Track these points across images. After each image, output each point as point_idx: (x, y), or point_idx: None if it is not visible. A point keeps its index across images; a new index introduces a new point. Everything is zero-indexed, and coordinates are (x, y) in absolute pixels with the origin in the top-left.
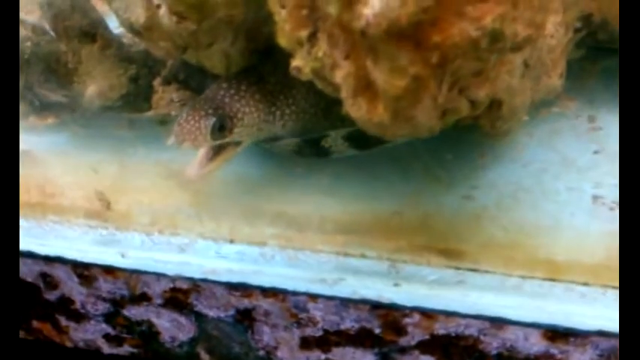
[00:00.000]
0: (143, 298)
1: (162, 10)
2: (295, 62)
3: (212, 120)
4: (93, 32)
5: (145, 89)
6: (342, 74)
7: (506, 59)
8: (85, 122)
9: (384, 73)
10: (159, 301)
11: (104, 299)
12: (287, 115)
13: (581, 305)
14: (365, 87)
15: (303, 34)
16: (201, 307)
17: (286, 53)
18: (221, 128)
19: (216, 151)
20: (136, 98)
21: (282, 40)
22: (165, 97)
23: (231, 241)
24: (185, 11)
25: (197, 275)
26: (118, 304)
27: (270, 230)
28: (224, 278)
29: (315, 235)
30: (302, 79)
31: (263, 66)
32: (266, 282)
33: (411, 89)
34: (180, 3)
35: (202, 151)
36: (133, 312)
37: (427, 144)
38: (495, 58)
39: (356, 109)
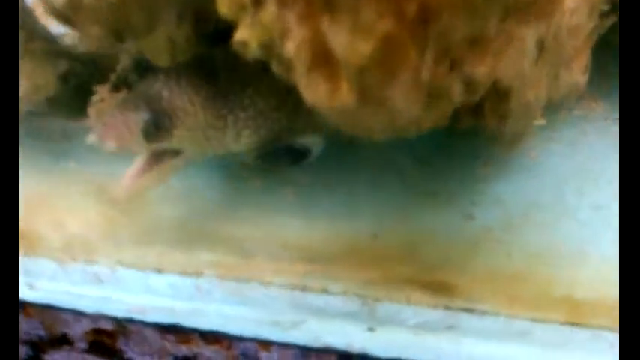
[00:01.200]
0: (64, 341)
1: None
2: (239, 34)
3: (144, 115)
4: None
5: (79, 91)
6: (294, 43)
7: (513, 30)
8: None
9: (344, 35)
10: (82, 344)
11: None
12: (241, 121)
13: (610, 357)
14: (323, 58)
15: None
16: (132, 353)
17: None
18: (156, 127)
19: (152, 163)
20: (68, 102)
21: (222, 7)
22: (111, 103)
23: (160, 271)
24: None
25: (121, 313)
26: (37, 347)
27: (208, 256)
28: (153, 318)
29: (265, 263)
30: (256, 69)
31: (212, 57)
32: (204, 323)
33: (381, 56)
34: None
35: (135, 164)
36: (56, 357)
37: (416, 150)
38: (497, 22)
39: (312, 90)
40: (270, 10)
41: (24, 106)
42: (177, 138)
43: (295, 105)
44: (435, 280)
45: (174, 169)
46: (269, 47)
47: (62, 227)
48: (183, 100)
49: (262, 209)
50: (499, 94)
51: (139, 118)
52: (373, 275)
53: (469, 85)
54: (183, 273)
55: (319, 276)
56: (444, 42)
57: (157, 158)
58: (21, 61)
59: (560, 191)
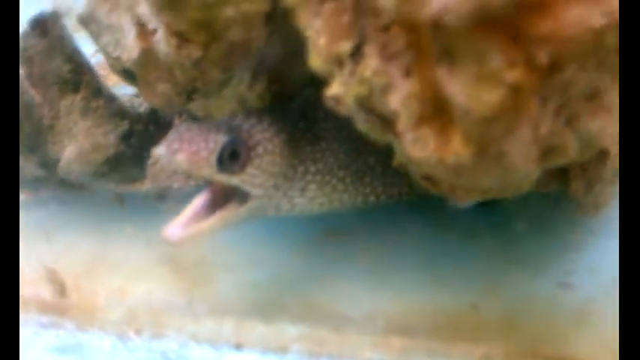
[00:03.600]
0: None
1: (160, 35)
2: (333, 89)
3: (224, 137)
4: (76, 80)
5: (138, 151)
6: (400, 97)
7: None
8: (65, 195)
9: (467, 85)
10: None
11: None
12: (310, 175)
13: None
14: (434, 112)
15: (345, 47)
16: None
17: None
18: (233, 154)
19: (214, 203)
20: (126, 163)
21: (316, 61)
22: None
23: (238, 346)
24: (188, 30)
25: None
26: None
27: (294, 329)
28: None
29: (359, 336)
30: (335, 124)
31: (288, 108)
32: None
33: (507, 107)
34: (182, 19)
35: (195, 201)
36: None
37: (499, 215)
38: (612, 78)
39: (420, 145)
40: (371, 64)
41: (81, 167)
42: (249, 176)
43: (359, 170)
44: (553, 353)
45: (236, 217)
46: (366, 102)
47: (123, 297)
48: (263, 136)
49: (341, 274)
50: (595, 158)
51: (220, 138)
52: (482, 349)
53: (583, 142)
54: (267, 348)
55: (421, 350)
56: (564, 95)
57: (220, 198)
58: (81, 120)
59: None
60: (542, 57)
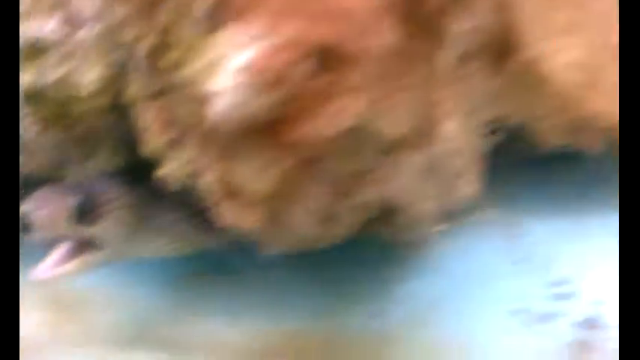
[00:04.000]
0: None
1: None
2: (162, 170)
3: (79, 198)
4: None
5: None
6: (209, 179)
7: (396, 160)
8: None
9: (249, 173)
10: None
11: None
12: (156, 226)
13: None
14: (237, 189)
15: (169, 137)
16: None
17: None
18: (86, 212)
19: (74, 252)
20: None
21: (149, 146)
22: None
23: None
24: (49, 118)
25: None
26: None
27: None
28: None
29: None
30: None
31: (137, 171)
32: None
33: (278, 192)
34: (44, 110)
35: (57, 251)
36: None
37: (333, 253)
38: (373, 157)
39: (227, 215)
40: (189, 151)
41: None
42: (102, 228)
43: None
44: None
45: (95, 261)
46: (187, 181)
47: None
48: (113, 194)
49: (199, 310)
50: (386, 210)
51: (75, 197)
52: None
53: (360, 208)
54: None
55: None
56: (332, 176)
57: (81, 245)
58: None
59: (454, 290)
60: (303, 152)
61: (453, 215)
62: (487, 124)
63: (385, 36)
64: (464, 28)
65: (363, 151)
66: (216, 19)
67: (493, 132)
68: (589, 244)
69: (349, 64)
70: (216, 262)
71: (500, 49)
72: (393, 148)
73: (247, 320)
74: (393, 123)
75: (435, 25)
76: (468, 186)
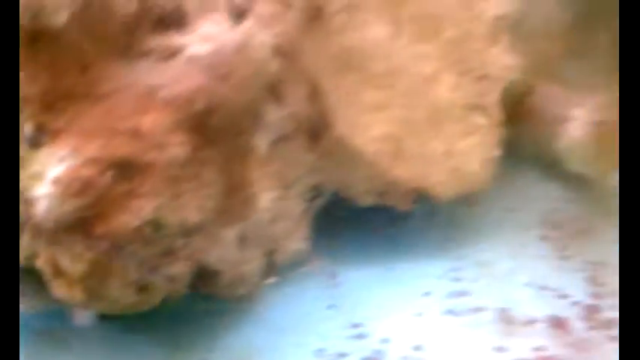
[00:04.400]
0: None
1: None
2: None
3: None
4: None
5: None
6: (43, 261)
7: (215, 231)
8: None
9: (67, 260)
10: None
11: None
12: None
13: None
14: (59, 271)
15: None
16: None
17: None
18: None
19: None
20: None
21: None
22: None
23: None
24: None
25: None
26: None
27: None
28: None
29: None
30: None
31: None
32: None
33: (92, 272)
34: None
35: None
36: None
37: (165, 314)
38: (178, 240)
39: (57, 290)
40: (27, 240)
41: None
42: None
43: None
44: None
45: None
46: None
47: None
48: None
49: None
50: (206, 275)
51: None
52: None
53: (175, 278)
54: None
55: None
56: (139, 258)
57: None
58: None
59: (275, 336)
60: (103, 246)
61: (281, 270)
62: (307, 192)
63: (173, 149)
64: (278, 115)
65: (163, 237)
66: (38, 139)
67: (314, 198)
68: (393, 288)
69: (143, 174)
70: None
71: (315, 129)
72: (196, 230)
73: None
74: (189, 214)
75: (228, 133)
76: (294, 244)
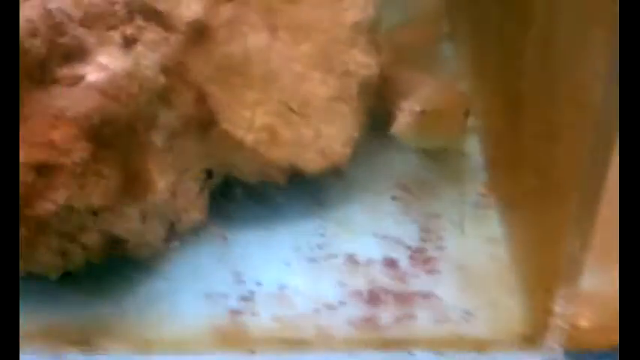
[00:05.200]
0: None
1: None
2: None
3: None
4: None
5: None
6: None
7: (118, 206)
8: None
9: None
10: None
11: None
12: None
13: None
14: None
15: None
16: None
17: None
18: None
19: None
20: None
21: None
22: None
23: None
24: None
25: None
26: None
27: None
28: None
29: None
30: None
31: None
32: None
33: (26, 242)
34: None
35: None
36: None
37: (87, 273)
38: (84, 219)
39: None
40: None
41: None
42: None
43: None
44: None
45: None
46: None
47: None
48: None
49: None
50: (118, 243)
51: None
52: None
53: (90, 245)
54: None
55: None
56: (60, 232)
57: None
58: None
59: (178, 287)
60: (31, 225)
61: (183, 235)
62: (201, 175)
63: (78, 154)
64: (170, 117)
65: (76, 216)
66: None
67: (207, 179)
68: (270, 245)
69: (56, 173)
70: None
71: (203, 125)
72: (102, 210)
73: None
74: (94, 199)
75: (123, 137)
76: (193, 215)
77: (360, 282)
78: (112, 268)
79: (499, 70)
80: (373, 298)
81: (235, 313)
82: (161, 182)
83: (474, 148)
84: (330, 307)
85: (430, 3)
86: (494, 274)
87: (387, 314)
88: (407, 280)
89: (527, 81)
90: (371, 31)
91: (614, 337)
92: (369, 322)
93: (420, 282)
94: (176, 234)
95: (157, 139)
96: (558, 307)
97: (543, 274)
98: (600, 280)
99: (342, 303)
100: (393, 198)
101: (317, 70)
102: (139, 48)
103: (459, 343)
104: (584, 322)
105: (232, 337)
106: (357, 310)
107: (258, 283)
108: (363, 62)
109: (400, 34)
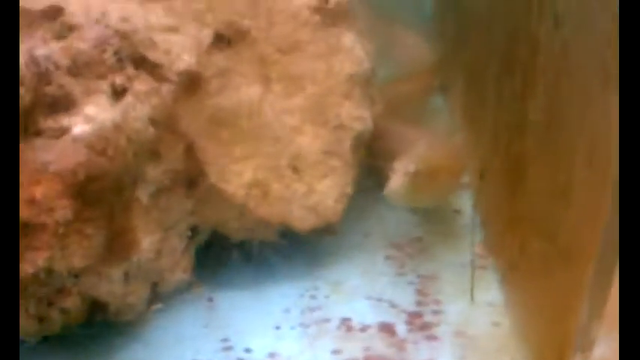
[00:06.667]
0: None
1: None
2: None
3: None
4: None
5: None
6: None
7: (102, 269)
8: None
9: None
10: None
11: None
12: None
13: None
14: None
15: None
16: None
17: None
18: None
19: None
20: None
21: None
22: None
23: None
24: None
25: None
26: None
27: None
28: None
29: None
30: None
31: None
32: None
33: None
34: None
35: None
36: None
37: (66, 337)
38: (64, 281)
39: None
40: None
41: None
42: None
43: None
44: None
45: None
46: None
47: None
48: None
49: None
50: (97, 307)
51: None
52: None
53: (69, 310)
54: None
55: None
56: (38, 295)
57: None
58: None
59: (154, 354)
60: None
61: (166, 297)
62: (187, 232)
63: (60, 212)
64: (157, 172)
65: (56, 279)
66: None
67: (193, 237)
68: (259, 307)
69: (37, 232)
70: None
71: (191, 179)
72: (83, 272)
73: None
74: (75, 261)
75: (108, 194)
76: (177, 275)
77: (355, 349)
78: (91, 332)
79: (495, 125)
80: None
81: None
82: (146, 240)
83: (466, 205)
84: None
85: (422, 56)
86: (497, 342)
87: None
88: (404, 347)
89: (529, 137)
90: (366, 84)
91: None
92: None
93: (418, 350)
94: (159, 295)
95: (143, 194)
96: None
97: (551, 343)
98: (613, 350)
99: None
100: (387, 257)
101: (310, 123)
102: (129, 98)
103: None
104: None
105: None
106: None
107: (247, 350)
108: (357, 115)
109: (393, 87)
